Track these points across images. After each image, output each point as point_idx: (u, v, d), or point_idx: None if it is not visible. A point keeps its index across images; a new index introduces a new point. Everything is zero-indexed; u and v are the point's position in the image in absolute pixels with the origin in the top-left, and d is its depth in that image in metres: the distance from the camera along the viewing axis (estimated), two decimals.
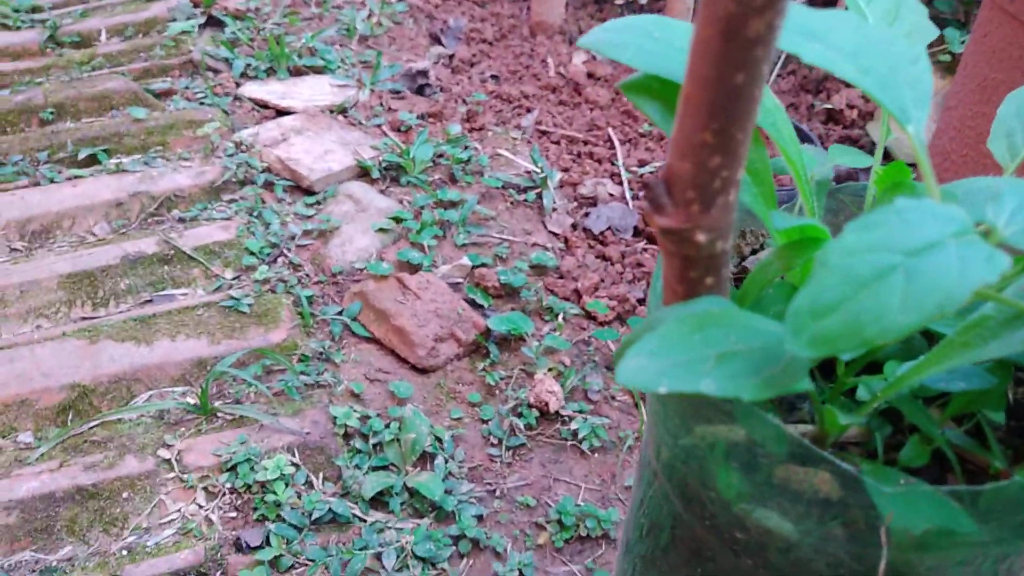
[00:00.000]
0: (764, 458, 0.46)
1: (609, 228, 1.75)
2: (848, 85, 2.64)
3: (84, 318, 1.50)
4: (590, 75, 2.37)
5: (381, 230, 1.65)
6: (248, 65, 2.19)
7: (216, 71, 2.18)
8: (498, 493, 1.30)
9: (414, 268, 1.59)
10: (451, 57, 2.42)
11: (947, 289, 0.32)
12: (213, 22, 2.40)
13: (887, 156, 2.13)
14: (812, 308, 0.33)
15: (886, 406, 0.53)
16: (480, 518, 1.26)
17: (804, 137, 1.92)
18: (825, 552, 0.47)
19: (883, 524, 0.41)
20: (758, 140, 0.54)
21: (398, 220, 1.66)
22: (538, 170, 1.85)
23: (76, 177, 1.76)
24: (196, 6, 2.45)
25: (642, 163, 1.93)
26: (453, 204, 1.75)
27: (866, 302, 0.33)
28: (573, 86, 2.31)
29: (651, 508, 0.61)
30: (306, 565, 1.16)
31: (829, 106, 2.37)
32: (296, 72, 2.20)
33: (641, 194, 1.60)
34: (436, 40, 2.53)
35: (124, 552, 1.17)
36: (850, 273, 0.33)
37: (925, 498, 0.41)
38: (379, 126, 2.01)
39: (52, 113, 1.96)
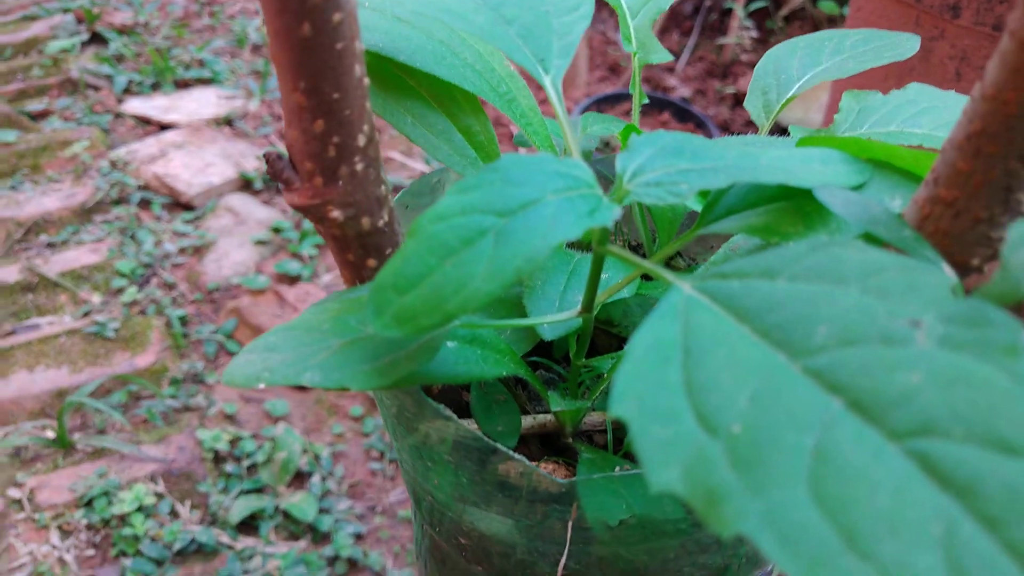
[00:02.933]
0: (467, 454, 0.41)
1: None
2: (753, 68, 2.63)
3: None
4: None
5: (260, 242, 1.58)
6: (132, 81, 2.10)
7: (96, 88, 2.09)
8: (379, 509, 1.24)
9: (293, 280, 1.52)
10: None
11: (531, 249, 0.28)
12: (97, 39, 2.31)
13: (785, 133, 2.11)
14: (395, 282, 0.28)
15: None
16: (359, 536, 1.20)
17: (698, 122, 1.89)
18: (545, 553, 0.42)
19: (570, 518, 0.37)
20: (478, 110, 0.49)
21: (277, 231, 1.60)
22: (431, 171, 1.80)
23: None
24: (80, 22, 2.36)
25: None
26: None
27: (451, 271, 0.28)
28: None
29: (415, 519, 0.56)
30: None
31: (734, 91, 2.36)
32: (183, 85, 2.12)
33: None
34: None
35: None
36: (438, 241, 0.28)
37: (621, 484, 0.36)
38: (267, 136, 1.94)
39: None
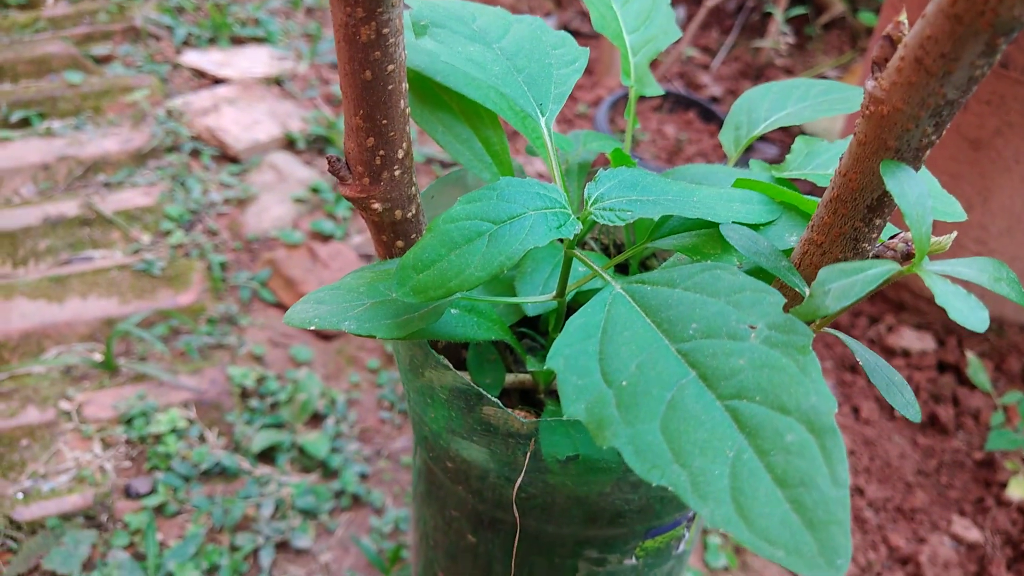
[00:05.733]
0: (459, 396, 0.53)
1: None
2: (787, 72, 2.69)
3: (1, 276, 1.55)
4: None
5: (298, 200, 1.70)
6: (190, 33, 2.22)
7: (157, 38, 2.21)
8: (385, 453, 1.37)
9: (327, 238, 1.65)
10: None
11: (511, 250, 0.39)
12: None
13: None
14: (414, 264, 0.40)
15: None
16: (364, 476, 1.33)
17: (721, 124, 1.98)
18: (511, 479, 0.54)
19: (529, 450, 0.48)
20: (497, 124, 0.60)
21: (315, 191, 1.72)
22: None
23: (5, 140, 1.80)
24: None
25: None
26: None
27: (454, 260, 0.39)
28: None
29: (415, 452, 0.68)
30: (190, 512, 1.23)
31: None
32: (238, 42, 2.24)
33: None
34: None
35: (19, 495, 1.24)
36: (448, 237, 0.40)
37: (568, 428, 0.48)
38: (312, 98, 2.05)
39: None
